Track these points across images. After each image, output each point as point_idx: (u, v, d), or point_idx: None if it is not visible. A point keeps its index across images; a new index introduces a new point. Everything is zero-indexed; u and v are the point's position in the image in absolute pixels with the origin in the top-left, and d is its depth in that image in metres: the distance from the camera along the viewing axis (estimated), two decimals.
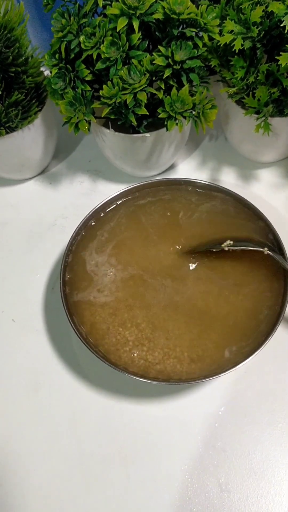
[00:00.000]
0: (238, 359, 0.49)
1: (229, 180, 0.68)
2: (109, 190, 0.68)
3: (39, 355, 0.57)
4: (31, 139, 0.61)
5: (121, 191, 0.59)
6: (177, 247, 0.57)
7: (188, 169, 0.70)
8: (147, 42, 0.53)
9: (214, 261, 0.56)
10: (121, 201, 0.60)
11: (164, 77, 0.52)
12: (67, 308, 0.52)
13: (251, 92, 0.55)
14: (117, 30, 0.49)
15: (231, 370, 0.47)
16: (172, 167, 0.70)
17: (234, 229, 0.57)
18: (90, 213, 0.58)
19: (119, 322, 0.53)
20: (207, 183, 0.59)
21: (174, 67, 0.52)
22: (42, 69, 0.61)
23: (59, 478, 0.50)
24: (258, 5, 0.49)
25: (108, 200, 0.59)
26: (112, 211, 0.59)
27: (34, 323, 0.59)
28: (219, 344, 0.51)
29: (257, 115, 0.56)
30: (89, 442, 0.52)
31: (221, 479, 0.49)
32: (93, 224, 0.58)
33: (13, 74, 0.55)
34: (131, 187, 0.59)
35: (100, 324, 0.53)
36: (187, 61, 0.52)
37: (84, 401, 0.54)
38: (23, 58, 0.56)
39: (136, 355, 0.51)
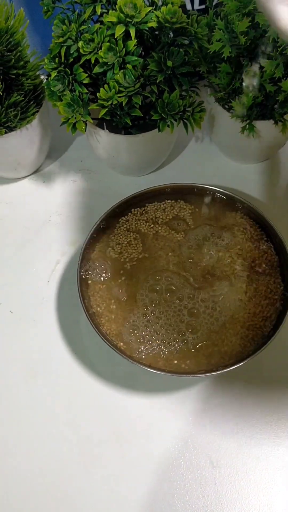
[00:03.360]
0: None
1: (214, 180, 0.72)
2: (101, 188, 0.72)
3: (36, 345, 0.59)
4: (28, 138, 0.64)
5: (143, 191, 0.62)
6: None
7: (176, 169, 0.74)
8: (141, 48, 0.57)
9: None
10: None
11: (157, 81, 0.56)
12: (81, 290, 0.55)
13: (236, 97, 0.60)
14: (115, 37, 0.53)
15: (234, 366, 0.51)
16: (160, 167, 0.73)
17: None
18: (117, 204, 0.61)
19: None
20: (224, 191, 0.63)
21: (167, 72, 0.55)
22: (38, 72, 0.64)
23: (57, 460, 0.52)
24: (245, 16, 0.53)
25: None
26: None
27: (31, 314, 0.61)
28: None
29: (242, 118, 0.60)
30: (86, 425, 0.54)
31: (212, 456, 0.52)
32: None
33: (13, 76, 0.58)
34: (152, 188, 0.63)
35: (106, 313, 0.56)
36: (178, 67, 0.56)
37: (80, 387, 0.56)
38: (23, 61, 0.59)
39: (134, 342, 0.54)
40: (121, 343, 0.54)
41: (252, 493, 0.50)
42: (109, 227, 0.61)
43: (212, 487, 0.51)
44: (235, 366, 0.50)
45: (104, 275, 0.58)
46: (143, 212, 0.63)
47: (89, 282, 0.58)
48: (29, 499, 0.50)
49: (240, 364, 0.51)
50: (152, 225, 0.62)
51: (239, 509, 0.49)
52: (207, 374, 0.51)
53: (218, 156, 0.74)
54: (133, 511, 0.49)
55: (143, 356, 0.53)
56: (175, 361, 0.53)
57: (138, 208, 0.63)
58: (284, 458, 0.52)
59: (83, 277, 0.57)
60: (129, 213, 0.63)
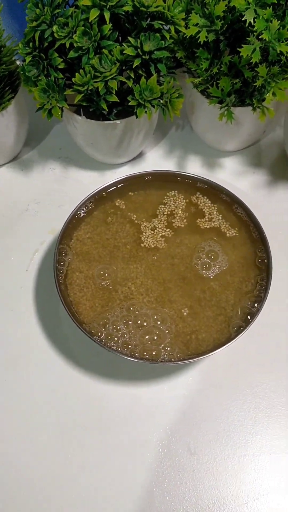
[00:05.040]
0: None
1: (195, 168, 0.72)
2: (80, 176, 0.71)
3: (14, 334, 0.59)
4: (5, 125, 0.63)
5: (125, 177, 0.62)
6: None
7: (156, 157, 0.73)
8: (117, 33, 0.56)
9: None
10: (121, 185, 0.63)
11: (133, 66, 0.55)
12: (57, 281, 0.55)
13: (215, 83, 0.59)
14: (89, 21, 0.52)
15: (211, 353, 0.50)
16: (140, 155, 0.73)
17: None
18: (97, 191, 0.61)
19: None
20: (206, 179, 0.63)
21: (143, 57, 0.54)
22: (14, 57, 0.63)
23: (38, 448, 0.52)
24: (221, 0, 0.52)
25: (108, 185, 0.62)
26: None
27: (9, 304, 0.60)
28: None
29: (220, 105, 0.60)
30: (66, 414, 0.54)
31: (190, 444, 0.52)
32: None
33: None
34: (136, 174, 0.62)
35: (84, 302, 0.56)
36: (155, 52, 0.55)
37: (60, 376, 0.56)
38: None
39: (112, 331, 0.54)
40: (99, 332, 0.53)
41: (230, 480, 0.50)
42: (87, 215, 0.61)
43: (190, 474, 0.51)
44: (213, 353, 0.50)
45: (82, 263, 0.58)
46: (123, 200, 0.62)
47: (67, 270, 0.57)
48: (10, 486, 0.50)
49: (217, 351, 0.50)
50: (133, 215, 0.61)
51: (216, 495, 0.50)
52: (184, 362, 0.51)
53: (199, 143, 0.73)
54: (111, 498, 0.49)
55: (121, 345, 0.53)
56: (154, 349, 0.53)
57: (118, 196, 0.62)
58: (261, 445, 0.52)
59: (61, 265, 0.57)
60: (109, 202, 0.62)
